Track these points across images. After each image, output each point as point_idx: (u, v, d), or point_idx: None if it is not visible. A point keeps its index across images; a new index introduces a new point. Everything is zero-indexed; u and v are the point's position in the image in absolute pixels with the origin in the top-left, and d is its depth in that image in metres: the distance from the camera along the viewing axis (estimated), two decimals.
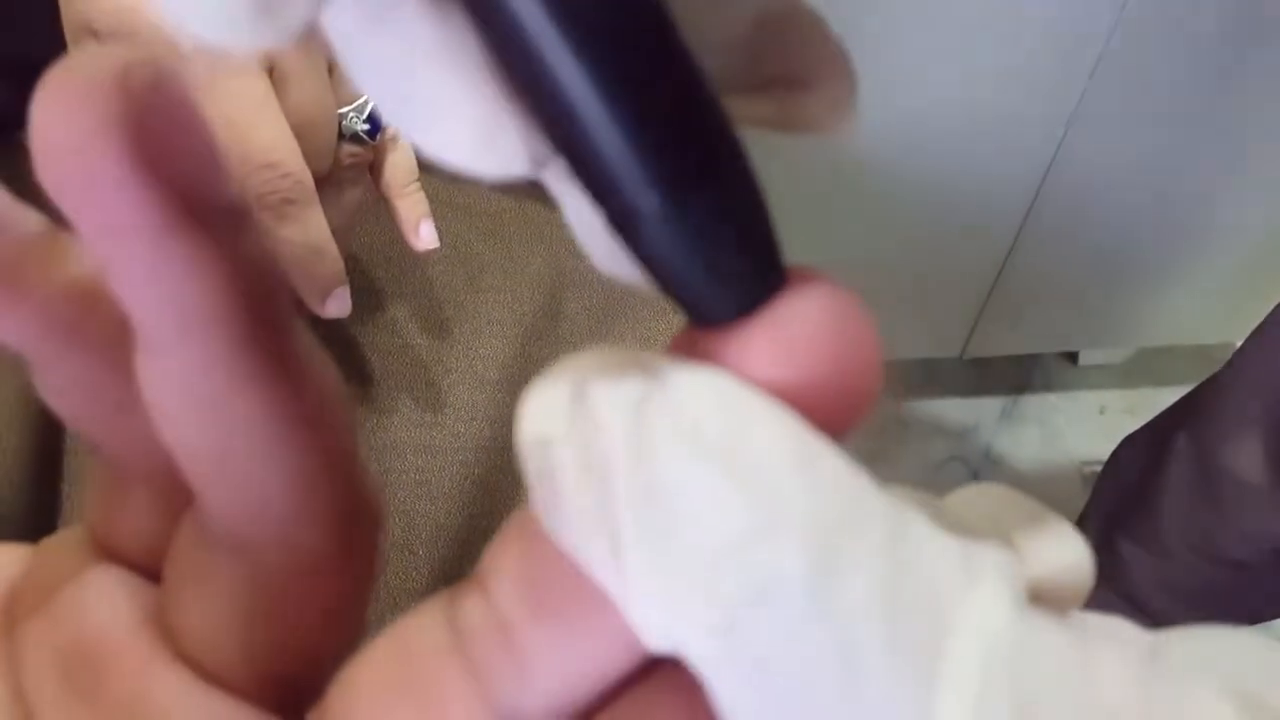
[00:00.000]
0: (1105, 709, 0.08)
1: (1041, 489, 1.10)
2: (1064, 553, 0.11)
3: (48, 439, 0.33)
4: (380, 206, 0.39)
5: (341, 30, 0.09)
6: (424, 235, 0.38)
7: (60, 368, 0.11)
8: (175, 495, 0.12)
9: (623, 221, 0.09)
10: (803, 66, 0.11)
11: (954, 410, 1.14)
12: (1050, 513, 0.12)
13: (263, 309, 0.10)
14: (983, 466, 1.10)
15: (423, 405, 0.43)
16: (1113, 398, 1.16)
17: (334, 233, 0.34)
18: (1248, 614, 0.85)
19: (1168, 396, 0.79)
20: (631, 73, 0.09)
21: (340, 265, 0.34)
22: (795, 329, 0.09)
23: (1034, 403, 1.16)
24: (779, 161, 0.80)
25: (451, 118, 0.09)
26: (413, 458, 0.41)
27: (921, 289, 0.94)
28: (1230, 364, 0.70)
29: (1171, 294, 0.99)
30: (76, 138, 0.09)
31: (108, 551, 0.13)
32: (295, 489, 0.11)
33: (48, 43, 0.31)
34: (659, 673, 0.10)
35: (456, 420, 0.43)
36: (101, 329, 0.11)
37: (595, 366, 0.10)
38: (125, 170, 0.09)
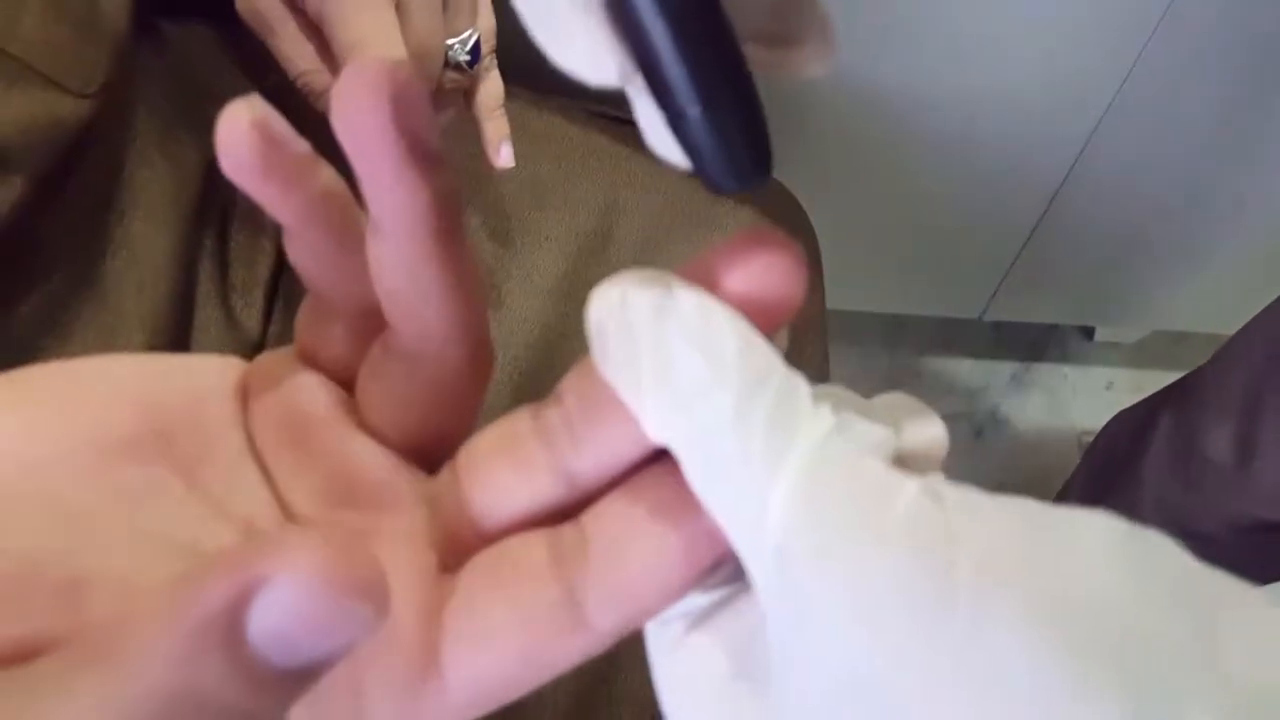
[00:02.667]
0: (895, 517, 0.14)
1: (1040, 452, 1.15)
2: (930, 431, 0.17)
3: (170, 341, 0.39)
4: (466, 126, 0.44)
5: None
6: (504, 154, 0.43)
7: (307, 237, 0.17)
8: (366, 327, 0.18)
9: (675, 120, 0.15)
10: (798, 28, 0.16)
11: (968, 370, 1.18)
12: (928, 408, 0.18)
13: (445, 214, 0.16)
14: (987, 425, 1.15)
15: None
16: (1121, 375, 1.20)
17: None
18: None
19: (1173, 379, 0.82)
20: (689, 28, 0.14)
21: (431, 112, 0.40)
22: (748, 268, 0.16)
23: (1045, 371, 1.20)
24: (816, 110, 0.82)
25: (574, 39, 0.15)
26: None
27: (949, 251, 0.97)
28: (1215, 356, 0.74)
29: (1189, 281, 1.01)
30: (364, 104, 0.15)
31: (311, 363, 0.19)
32: (448, 323, 0.17)
33: None
34: (662, 458, 0.17)
35: (511, 319, 0.49)
36: (336, 217, 0.17)
37: (636, 279, 0.16)
38: (387, 127, 0.15)
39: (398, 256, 0.17)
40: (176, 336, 0.38)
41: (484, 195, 0.51)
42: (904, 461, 0.17)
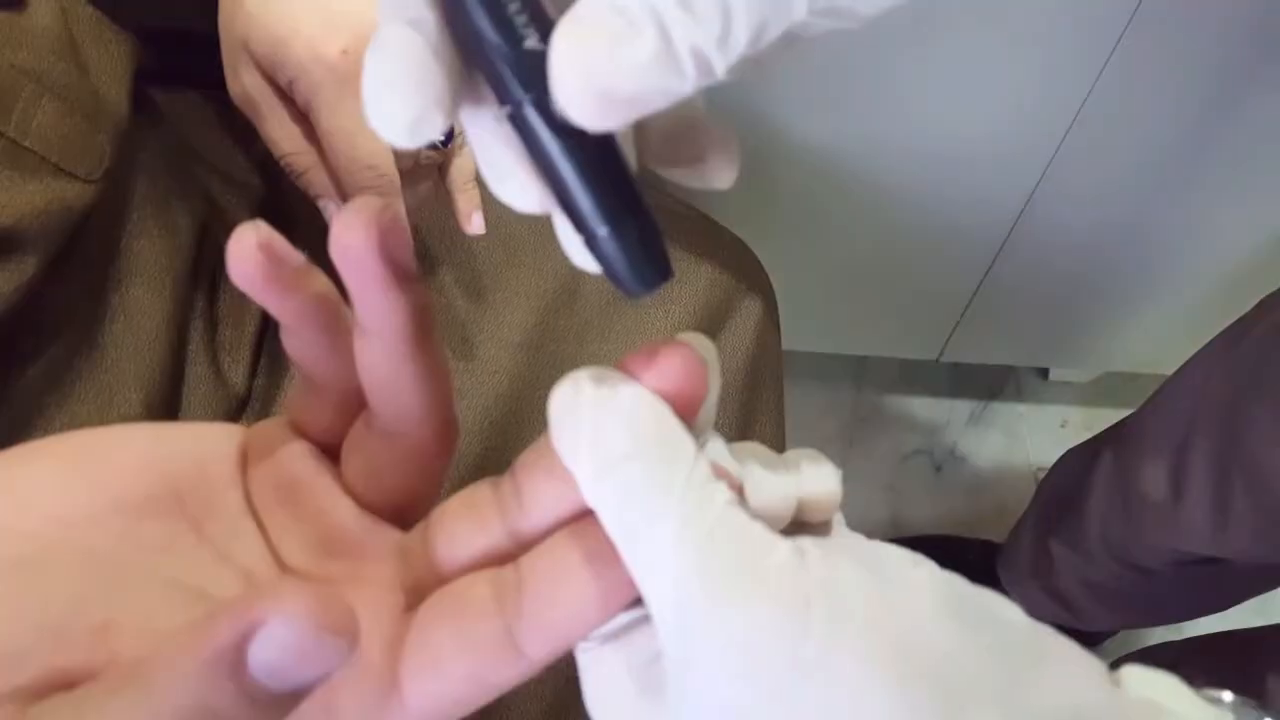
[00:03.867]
0: (766, 577, 0.17)
1: (997, 487, 1.18)
2: (826, 483, 0.21)
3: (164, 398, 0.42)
4: (441, 196, 0.48)
5: (468, 131, 0.18)
6: (475, 224, 0.47)
7: (302, 334, 0.21)
8: (350, 405, 0.22)
9: (589, 240, 0.18)
10: (698, 149, 0.20)
11: (927, 408, 1.22)
12: (828, 463, 0.21)
13: (421, 322, 0.20)
14: (946, 461, 1.19)
15: (457, 355, 0.52)
16: (1075, 413, 1.24)
17: (408, 212, 0.43)
18: (1156, 614, 0.93)
19: (1124, 418, 0.86)
20: (592, 168, 0.17)
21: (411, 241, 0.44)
22: (669, 369, 0.19)
23: (1002, 410, 1.24)
24: (778, 166, 0.86)
25: (506, 176, 0.18)
26: None
27: (905, 296, 1.00)
28: (1151, 399, 0.78)
29: (1139, 324, 1.04)
30: (357, 239, 0.18)
31: (301, 434, 0.22)
32: (422, 408, 0.21)
33: (199, 14, 0.40)
34: (590, 517, 0.20)
35: (483, 371, 0.51)
36: (328, 316, 0.20)
37: (589, 373, 0.19)
38: (376, 258, 0.18)
39: (381, 356, 0.20)
40: (169, 394, 0.40)
41: (458, 252, 0.54)
42: (805, 508, 0.21)
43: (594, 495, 0.19)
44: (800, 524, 0.21)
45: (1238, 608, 0.85)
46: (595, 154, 0.17)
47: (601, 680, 0.20)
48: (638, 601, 0.20)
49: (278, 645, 0.14)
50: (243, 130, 0.47)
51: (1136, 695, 0.17)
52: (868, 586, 0.17)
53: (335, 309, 0.21)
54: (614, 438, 0.18)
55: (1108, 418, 0.91)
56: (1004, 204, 0.89)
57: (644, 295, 0.19)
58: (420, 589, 0.21)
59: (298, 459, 0.22)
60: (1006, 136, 0.81)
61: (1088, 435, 0.90)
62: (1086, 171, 0.85)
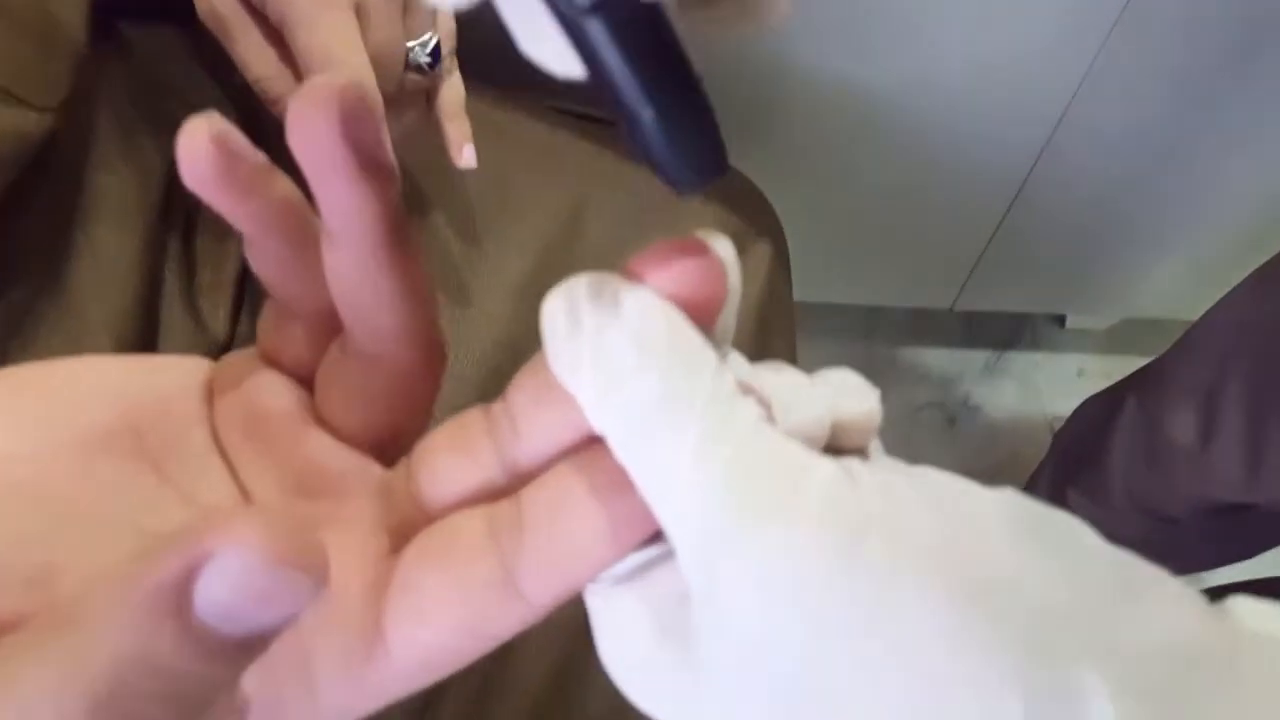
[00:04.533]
0: (809, 499, 0.15)
1: (1012, 439, 1.17)
2: (865, 404, 0.18)
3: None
4: (433, 128, 0.45)
5: None
6: (466, 155, 0.44)
7: (266, 244, 0.18)
8: (324, 329, 0.19)
9: (631, 124, 0.16)
10: None
11: (940, 359, 1.20)
12: (866, 383, 0.19)
13: (396, 222, 0.17)
14: (960, 413, 1.17)
15: (453, 301, 0.49)
16: (1092, 362, 1.22)
17: (393, 146, 0.40)
18: (1179, 565, 0.91)
19: (1142, 365, 0.83)
20: (636, 37, 0.15)
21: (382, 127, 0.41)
22: (681, 269, 0.17)
23: (1018, 359, 1.21)
24: (783, 105, 0.83)
25: (544, 37, 0.15)
26: None
27: (919, 243, 0.98)
28: (1179, 342, 0.75)
29: (1158, 269, 1.03)
30: (317, 120, 0.16)
31: (273, 363, 0.20)
32: (402, 325, 0.18)
33: None
34: (596, 443, 0.17)
35: (479, 317, 0.49)
36: (294, 225, 0.18)
37: (586, 279, 0.17)
38: (338, 143, 0.16)
39: (351, 264, 0.18)
40: (142, 340, 0.38)
41: (451, 194, 0.51)
42: (840, 433, 0.18)
43: (600, 418, 0.16)
44: (834, 450, 0.19)
45: (1261, 557, 0.83)
46: (640, 18, 0.15)
47: (617, 627, 0.18)
48: (655, 537, 0.17)
49: (229, 581, 0.12)
50: (220, 63, 0.44)
51: (1250, 629, 0.15)
52: (929, 508, 0.15)
53: (302, 216, 0.18)
54: (620, 351, 0.16)
55: (1126, 365, 0.88)
56: (1022, 145, 0.87)
57: (696, 190, 0.16)
58: (406, 530, 0.19)
59: (268, 391, 0.20)
60: (1026, 75, 0.79)
61: (1105, 384, 0.88)
62: (1106, 112, 0.83)
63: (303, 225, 0.18)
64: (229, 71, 0.40)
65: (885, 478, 0.16)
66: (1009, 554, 0.15)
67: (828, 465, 0.16)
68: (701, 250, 0.17)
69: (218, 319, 0.42)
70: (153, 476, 0.18)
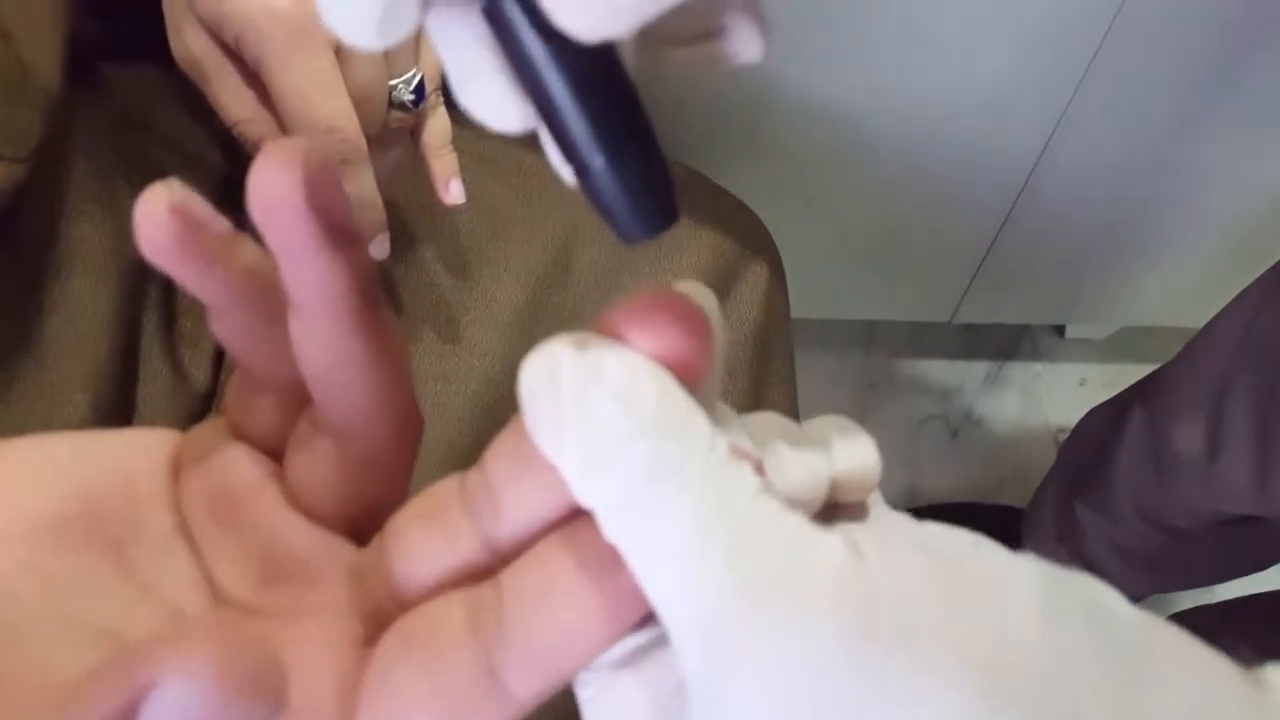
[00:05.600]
0: (817, 582, 0.14)
1: (1016, 450, 1.15)
2: (863, 457, 0.17)
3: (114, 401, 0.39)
4: (420, 163, 0.44)
5: (434, 32, 0.15)
6: (453, 191, 0.43)
7: (232, 316, 0.17)
8: (293, 401, 0.18)
9: (581, 172, 0.15)
10: (718, 17, 0.16)
11: (941, 371, 1.18)
12: (861, 431, 0.18)
13: (365, 291, 0.16)
14: (962, 426, 1.16)
15: (443, 338, 0.48)
16: (1094, 371, 1.21)
17: (378, 183, 0.39)
18: (1189, 578, 0.90)
19: (1145, 374, 0.83)
20: (588, 80, 0.14)
21: (383, 216, 0.40)
22: (664, 328, 0.16)
23: (1018, 370, 1.20)
24: (777, 120, 0.82)
25: (479, 86, 0.15)
26: (431, 384, 0.47)
27: (915, 256, 0.97)
28: (1184, 350, 0.74)
29: (1157, 277, 1.02)
30: (278, 191, 0.15)
31: (239, 436, 0.19)
32: (374, 399, 0.17)
33: None
34: (581, 518, 0.16)
35: (471, 354, 0.48)
36: (260, 294, 0.17)
37: (566, 341, 0.16)
38: (302, 212, 0.15)
39: (319, 338, 0.17)
40: (120, 394, 0.37)
41: (440, 227, 0.50)
42: (838, 488, 0.17)
43: (586, 492, 0.15)
44: (831, 505, 0.18)
45: (1271, 570, 0.82)
46: (591, 63, 0.14)
47: (610, 713, 0.17)
48: (646, 620, 0.16)
49: (175, 713, 0.11)
50: (204, 104, 0.43)
51: None
52: (941, 584, 0.14)
53: (270, 285, 0.17)
54: (606, 418, 0.15)
55: (1128, 374, 0.88)
56: (1019, 154, 0.86)
57: (644, 240, 0.15)
58: (382, 616, 0.18)
59: (236, 467, 0.19)
60: (1019, 88, 0.79)
61: (1108, 393, 0.87)
62: (1100, 123, 0.82)
63: (271, 295, 0.17)
64: (212, 113, 0.39)
65: (894, 550, 0.15)
66: (1034, 631, 0.14)
67: (835, 543, 0.15)
68: (684, 305, 0.16)
69: (200, 368, 0.41)
70: (109, 567, 0.17)
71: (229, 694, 0.11)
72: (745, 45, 0.16)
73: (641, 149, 0.15)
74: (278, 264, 0.16)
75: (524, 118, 0.15)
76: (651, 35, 0.16)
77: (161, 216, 0.15)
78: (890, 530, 0.16)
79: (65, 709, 0.11)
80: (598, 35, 0.13)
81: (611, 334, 0.16)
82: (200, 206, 0.16)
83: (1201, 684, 0.14)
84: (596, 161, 0.15)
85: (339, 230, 0.16)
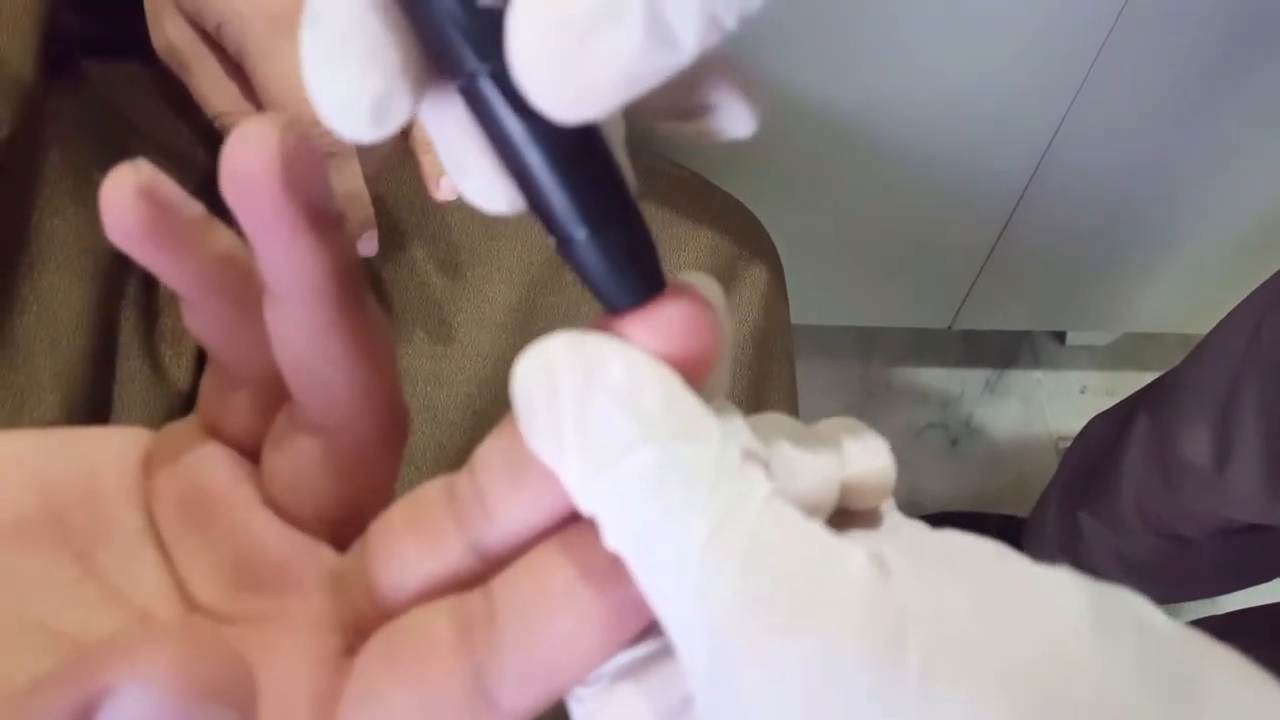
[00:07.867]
0: (840, 598, 0.13)
1: (1016, 459, 1.14)
2: (875, 461, 0.16)
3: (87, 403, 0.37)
4: (409, 158, 0.42)
5: (424, 117, 0.15)
6: (443, 188, 0.42)
7: (206, 306, 0.16)
8: (271, 396, 0.17)
9: (564, 244, 0.15)
10: (709, 94, 0.16)
11: (940, 379, 1.18)
12: (873, 433, 0.17)
13: (347, 278, 0.15)
14: (962, 434, 1.15)
15: (434, 339, 0.47)
16: (1095, 378, 1.20)
17: (365, 179, 0.38)
18: (1196, 588, 0.89)
19: (1147, 381, 0.82)
20: (567, 155, 0.14)
21: (371, 212, 0.39)
22: (667, 322, 0.15)
23: (1019, 377, 1.20)
24: (775, 126, 0.82)
25: (468, 171, 0.15)
26: (422, 385, 0.46)
27: (915, 261, 0.96)
28: (1191, 355, 0.74)
29: (1158, 283, 1.02)
30: (253, 169, 0.14)
31: (214, 434, 0.18)
32: (356, 394, 0.16)
33: None
34: (578, 523, 0.15)
35: (463, 355, 0.47)
36: (236, 283, 0.16)
37: (563, 340, 0.15)
38: (278, 192, 0.14)
39: (298, 327, 0.16)
40: (96, 394, 0.36)
41: (430, 224, 0.49)
42: (849, 494, 0.17)
43: (588, 498, 0.14)
44: (842, 512, 0.17)
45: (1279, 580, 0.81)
46: (570, 138, 0.14)
47: None
48: (649, 630, 0.15)
49: None
50: (188, 100, 0.42)
51: None
52: (972, 600, 0.13)
53: (246, 273, 0.16)
54: (610, 420, 0.14)
55: (1130, 381, 0.87)
56: (1019, 160, 0.86)
57: (630, 311, 0.15)
58: (362, 625, 0.17)
59: (209, 466, 0.18)
60: (1018, 94, 0.79)
61: (1109, 401, 0.87)
62: (1099, 129, 0.82)
63: (246, 283, 0.16)
64: (196, 109, 0.38)
65: (921, 564, 0.14)
66: (1086, 653, 0.13)
67: (857, 554, 0.14)
68: (688, 296, 0.15)
69: (180, 368, 0.39)
70: (73, 569, 0.16)
71: (190, 701, 0.11)
72: (735, 123, 0.16)
73: (623, 221, 0.15)
74: (255, 248, 0.15)
75: (512, 200, 0.15)
76: (635, 112, 0.15)
77: (128, 199, 0.14)
78: (911, 540, 0.15)
79: (16, 712, 0.11)
80: (575, 117, 0.13)
81: (611, 330, 0.15)
82: (169, 188, 0.15)
83: (1252, 707, 0.13)
84: (579, 234, 0.15)
85: (318, 212, 0.15)
